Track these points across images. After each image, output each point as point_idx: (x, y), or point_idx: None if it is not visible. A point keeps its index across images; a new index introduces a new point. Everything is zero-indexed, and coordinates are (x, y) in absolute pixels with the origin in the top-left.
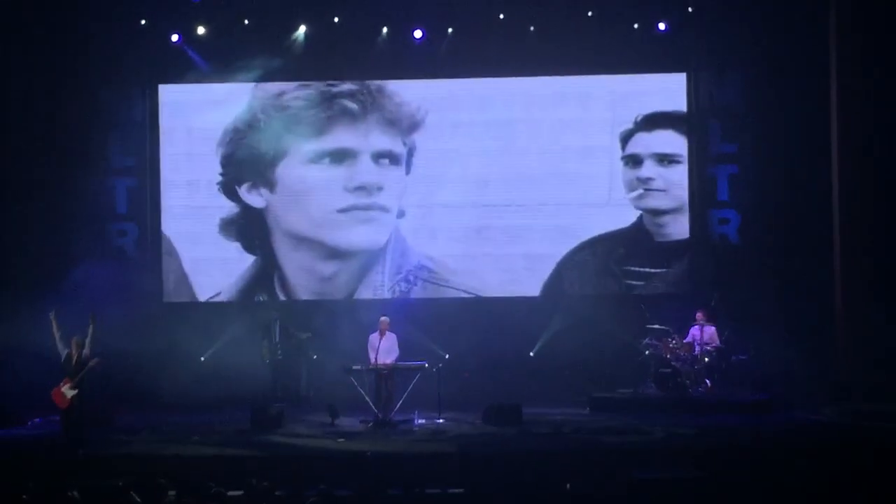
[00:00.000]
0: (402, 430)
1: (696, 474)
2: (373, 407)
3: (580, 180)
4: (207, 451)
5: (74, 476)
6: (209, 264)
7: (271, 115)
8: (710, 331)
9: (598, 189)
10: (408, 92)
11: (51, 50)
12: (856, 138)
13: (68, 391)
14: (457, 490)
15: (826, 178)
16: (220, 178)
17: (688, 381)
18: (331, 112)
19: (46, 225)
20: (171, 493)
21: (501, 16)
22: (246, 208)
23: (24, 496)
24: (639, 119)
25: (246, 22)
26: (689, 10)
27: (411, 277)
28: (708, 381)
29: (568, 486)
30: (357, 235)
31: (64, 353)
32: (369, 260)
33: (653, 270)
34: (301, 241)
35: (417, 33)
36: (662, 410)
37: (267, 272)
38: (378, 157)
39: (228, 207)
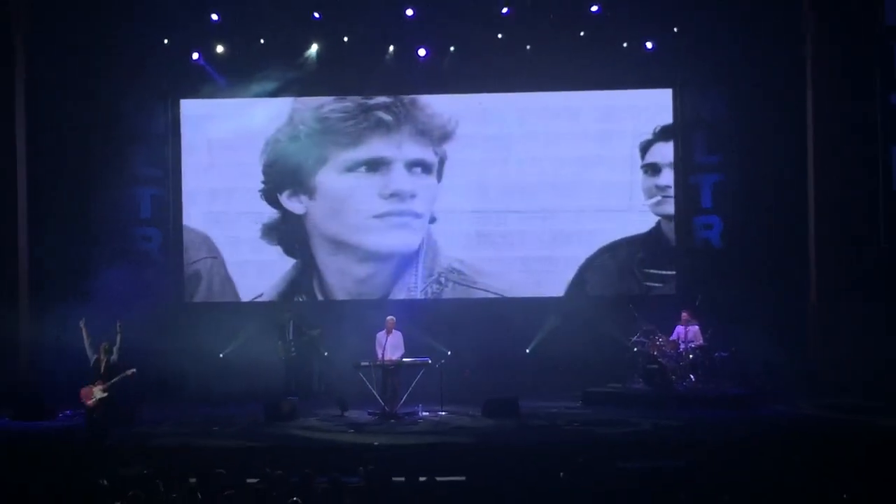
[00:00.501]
0: (406, 422)
1: (681, 464)
2: (380, 400)
3: (601, 188)
4: (226, 442)
5: (103, 465)
6: (252, 267)
7: (311, 127)
8: (694, 329)
9: (619, 196)
10: (439, 104)
11: (82, 69)
12: (830, 150)
13: (98, 392)
14: (458, 478)
15: (802, 186)
16: (261, 186)
17: (673, 377)
18: (366, 123)
19: (77, 231)
20: (192, 480)
21: (500, 35)
22: (286, 214)
23: (57, 483)
24: (657, 130)
25: (262, 41)
26: (675, 30)
27: (442, 279)
28: (692, 377)
29: (562, 474)
30: (391, 240)
31: (93, 358)
32: (403, 263)
33: (670, 273)
34: (338, 245)
35: (421, 52)
36: (650, 404)
37: (306, 274)
38: (411, 165)
39: (270, 214)
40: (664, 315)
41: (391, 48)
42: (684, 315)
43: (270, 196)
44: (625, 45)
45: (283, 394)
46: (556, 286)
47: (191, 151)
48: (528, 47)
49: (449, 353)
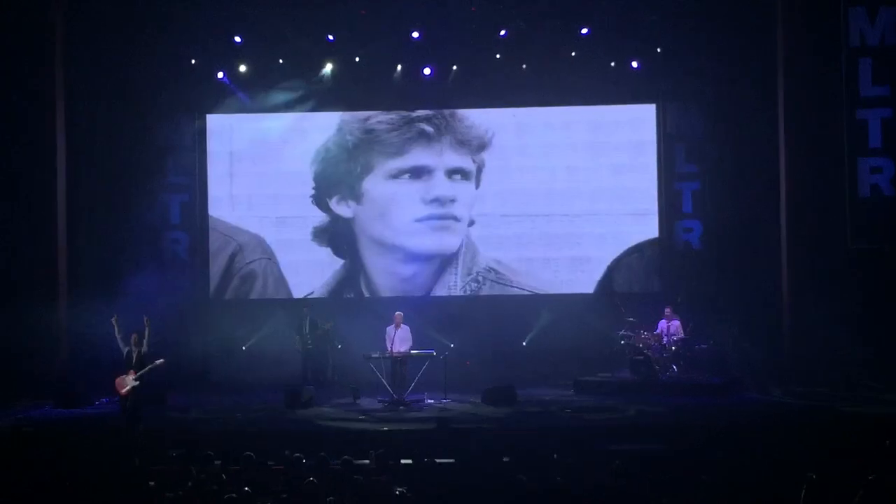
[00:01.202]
0: (413, 408)
1: (663, 446)
2: (389, 389)
3: (628, 193)
4: (248, 427)
5: (136, 446)
6: (303, 267)
7: (358, 137)
8: (676, 323)
9: (646, 200)
10: (476, 117)
11: (117, 87)
12: (800, 160)
13: (130, 381)
14: (459, 459)
15: (775, 193)
16: (312, 192)
17: (657, 367)
18: (410, 134)
19: (112, 234)
20: (217, 462)
21: (498, 55)
22: (335, 218)
23: (96, 462)
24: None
25: (280, 61)
26: (659, 51)
27: (480, 278)
28: (674, 367)
29: (555, 455)
30: (433, 242)
31: (125, 350)
32: (443, 263)
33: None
34: (384, 246)
35: (427, 70)
36: (636, 392)
37: (354, 274)
38: (451, 173)
39: (320, 217)
40: (648, 311)
41: (399, 67)
42: (667, 310)
43: (321, 201)
44: (612, 64)
45: (300, 383)
46: (586, 284)
47: (234, 160)
48: (524, 66)
49: (452, 345)
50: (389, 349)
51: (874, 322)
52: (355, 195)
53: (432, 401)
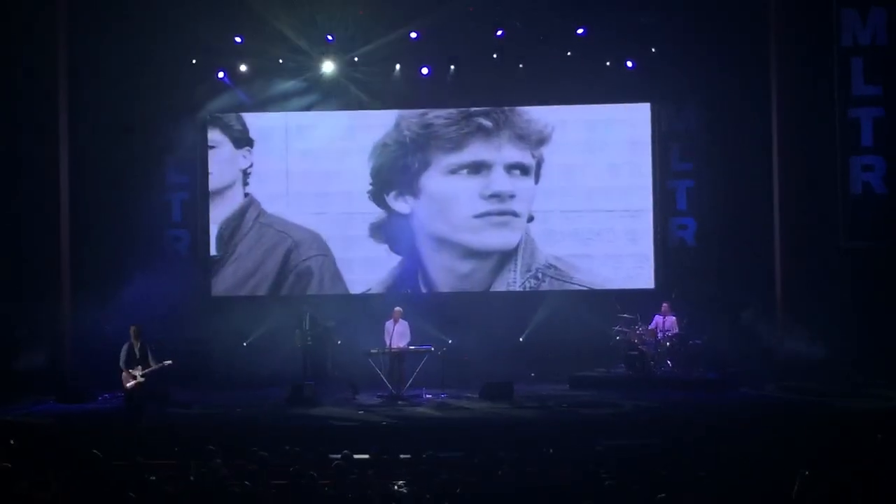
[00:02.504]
0: (412, 403)
1: (659, 441)
2: (387, 384)
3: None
4: (249, 422)
5: (139, 443)
6: (360, 263)
7: (415, 132)
8: (671, 319)
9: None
10: (535, 112)
11: (119, 86)
12: (793, 159)
13: (137, 377)
14: (457, 454)
15: (768, 191)
16: (369, 188)
17: (652, 363)
18: (468, 129)
19: (115, 231)
20: (218, 461)
21: (495, 55)
22: (393, 214)
23: (98, 459)
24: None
25: (280, 61)
26: (653, 50)
27: (539, 275)
28: (669, 363)
29: (551, 450)
30: (491, 238)
31: (125, 345)
32: (503, 259)
33: None
34: (442, 242)
35: (424, 70)
36: (631, 387)
37: (412, 270)
38: (510, 168)
39: (377, 214)
40: (644, 307)
41: (397, 66)
42: (664, 306)
43: (378, 197)
44: (607, 63)
45: (300, 379)
46: (646, 279)
47: (291, 156)
48: (520, 66)
49: (450, 341)
50: (388, 344)
51: (866, 318)
52: (413, 191)
53: (430, 396)
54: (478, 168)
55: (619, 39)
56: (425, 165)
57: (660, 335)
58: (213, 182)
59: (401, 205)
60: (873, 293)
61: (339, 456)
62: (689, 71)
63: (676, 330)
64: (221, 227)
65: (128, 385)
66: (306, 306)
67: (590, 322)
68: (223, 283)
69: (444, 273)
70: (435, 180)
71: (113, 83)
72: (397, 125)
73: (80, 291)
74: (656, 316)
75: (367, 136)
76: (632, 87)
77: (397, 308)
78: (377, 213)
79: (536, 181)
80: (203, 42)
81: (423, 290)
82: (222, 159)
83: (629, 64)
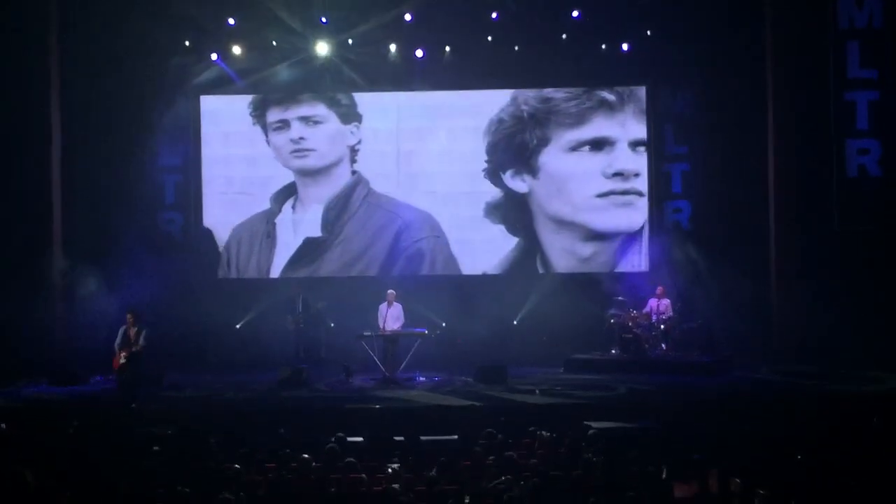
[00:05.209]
0: (405, 386)
1: (653, 423)
2: (381, 367)
3: None
4: (242, 406)
5: (131, 425)
6: (475, 245)
7: (533, 107)
8: (666, 302)
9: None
10: None
11: (112, 67)
12: (788, 141)
13: (123, 358)
14: (451, 437)
15: (763, 174)
16: (485, 166)
17: (647, 346)
18: (590, 103)
19: (107, 214)
20: (212, 440)
21: (490, 38)
22: (510, 193)
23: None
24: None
25: (273, 43)
26: (648, 33)
27: None
28: (664, 346)
29: (545, 433)
30: (615, 219)
31: (122, 328)
32: (627, 241)
33: None
34: (562, 224)
35: (419, 52)
36: (625, 370)
37: (529, 252)
38: (635, 145)
39: (493, 193)
40: (638, 289)
41: (392, 48)
42: (658, 289)
43: (494, 175)
44: (603, 46)
45: (293, 362)
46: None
47: (400, 135)
48: (515, 48)
49: (444, 324)
50: (382, 327)
51: (860, 301)
52: (531, 169)
53: (424, 379)
54: (600, 145)
55: (614, 22)
56: (544, 142)
57: (654, 318)
58: (318, 160)
59: (518, 183)
60: (868, 276)
61: (332, 439)
62: (685, 53)
63: (671, 313)
64: (327, 207)
65: (115, 367)
66: (298, 289)
67: (584, 305)
68: (329, 266)
69: (565, 255)
70: (554, 158)
71: (105, 63)
72: (514, 99)
73: (72, 274)
74: (651, 299)
75: (482, 113)
76: (627, 70)
77: (391, 291)
78: (493, 192)
79: None
80: (196, 23)
81: (541, 271)
82: (328, 135)
83: (624, 47)
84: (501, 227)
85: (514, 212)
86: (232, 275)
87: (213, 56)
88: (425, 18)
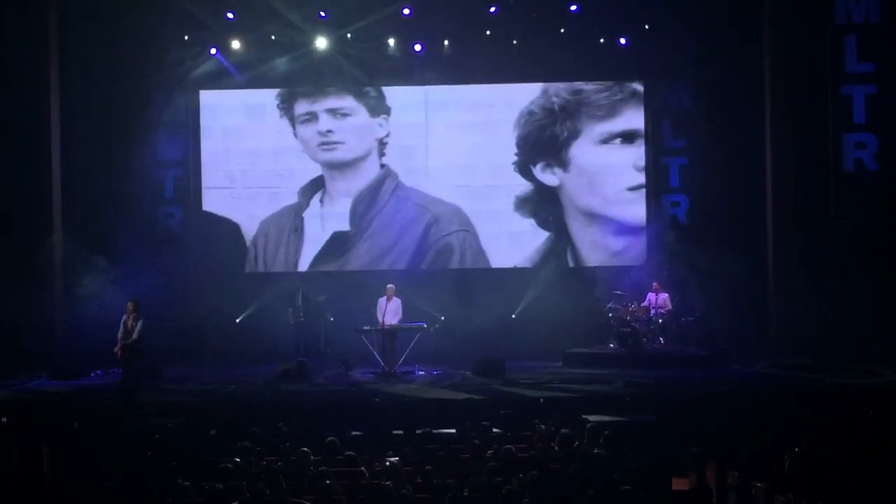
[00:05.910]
0: (404, 380)
1: (650, 417)
2: (380, 361)
3: None
4: (242, 398)
5: (134, 417)
6: (505, 239)
7: (564, 99)
8: (664, 297)
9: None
10: None
11: (112, 62)
12: (785, 136)
13: (117, 349)
14: (450, 430)
15: (760, 168)
16: (515, 159)
17: (644, 339)
18: (621, 95)
19: (106, 209)
20: (213, 431)
21: (488, 32)
22: (540, 187)
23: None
24: None
25: (272, 38)
26: (646, 28)
27: None
28: (661, 339)
29: (542, 426)
30: (647, 212)
31: (123, 317)
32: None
33: None
34: (593, 217)
35: (417, 47)
36: (623, 364)
37: (560, 246)
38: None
39: (523, 186)
40: (636, 283)
41: (391, 43)
42: (655, 284)
43: (524, 168)
44: (601, 41)
45: (293, 355)
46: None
47: (430, 129)
48: (514, 42)
49: (443, 318)
50: (381, 321)
51: (857, 295)
52: (561, 162)
53: (423, 372)
54: (632, 137)
55: (612, 16)
56: (575, 135)
57: (652, 312)
58: (346, 152)
59: (549, 177)
60: (865, 270)
61: (332, 432)
62: (682, 48)
63: (668, 307)
64: (356, 201)
65: (118, 356)
66: (298, 283)
67: (582, 299)
68: (357, 260)
69: (596, 249)
70: (585, 150)
71: (106, 58)
72: (544, 91)
73: (72, 268)
74: (649, 293)
75: (512, 106)
76: (625, 64)
77: (390, 285)
78: (523, 185)
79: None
80: (195, 18)
81: (571, 264)
82: (356, 128)
83: (622, 41)
84: (532, 221)
85: (545, 205)
86: (259, 269)
87: (213, 50)
88: (423, 13)
